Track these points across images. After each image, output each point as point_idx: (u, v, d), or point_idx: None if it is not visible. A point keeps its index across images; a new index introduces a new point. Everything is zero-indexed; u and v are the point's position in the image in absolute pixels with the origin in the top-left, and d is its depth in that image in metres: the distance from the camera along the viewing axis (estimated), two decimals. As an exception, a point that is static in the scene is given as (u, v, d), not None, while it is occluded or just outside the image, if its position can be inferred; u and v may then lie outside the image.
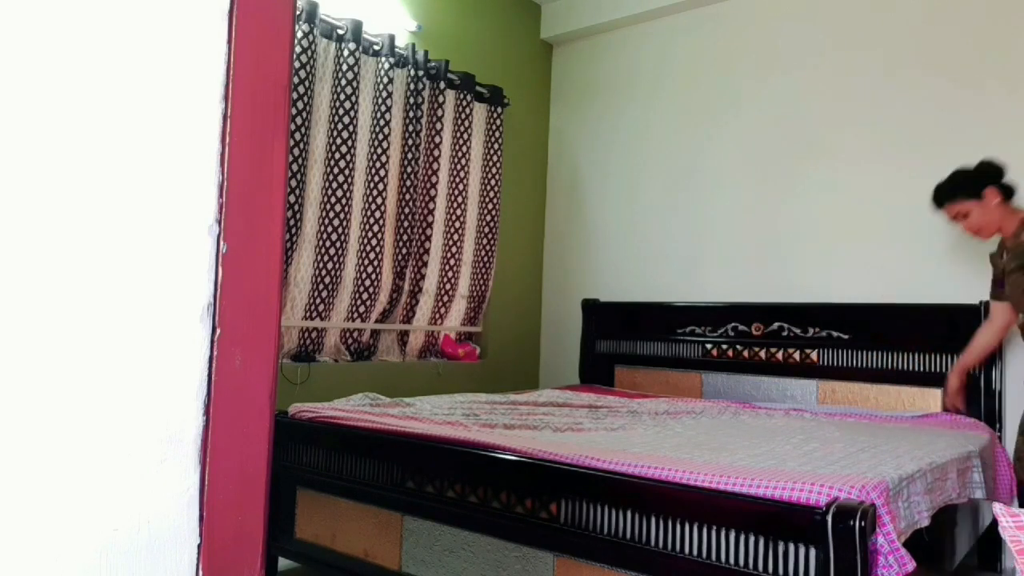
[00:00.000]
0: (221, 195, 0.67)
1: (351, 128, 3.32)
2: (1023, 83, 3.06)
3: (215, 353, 0.66)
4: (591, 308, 4.16)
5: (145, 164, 0.63)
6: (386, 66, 3.47)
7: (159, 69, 0.64)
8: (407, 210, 3.62)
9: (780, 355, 3.49)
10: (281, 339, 3.17)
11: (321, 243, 3.28)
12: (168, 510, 0.64)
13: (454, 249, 3.88)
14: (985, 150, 3.11)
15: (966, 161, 2.61)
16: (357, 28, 3.33)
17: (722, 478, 1.56)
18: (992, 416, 2.93)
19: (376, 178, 3.44)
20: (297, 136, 3.11)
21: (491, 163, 4.07)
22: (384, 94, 3.46)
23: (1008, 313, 2.67)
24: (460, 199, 3.90)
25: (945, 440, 2.38)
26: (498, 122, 4.10)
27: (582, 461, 1.75)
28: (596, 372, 4.08)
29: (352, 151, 3.33)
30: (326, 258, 3.28)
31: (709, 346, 3.72)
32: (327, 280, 3.29)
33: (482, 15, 4.18)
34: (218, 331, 0.67)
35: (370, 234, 3.43)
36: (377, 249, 3.45)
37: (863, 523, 1.35)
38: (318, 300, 3.28)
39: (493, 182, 4.07)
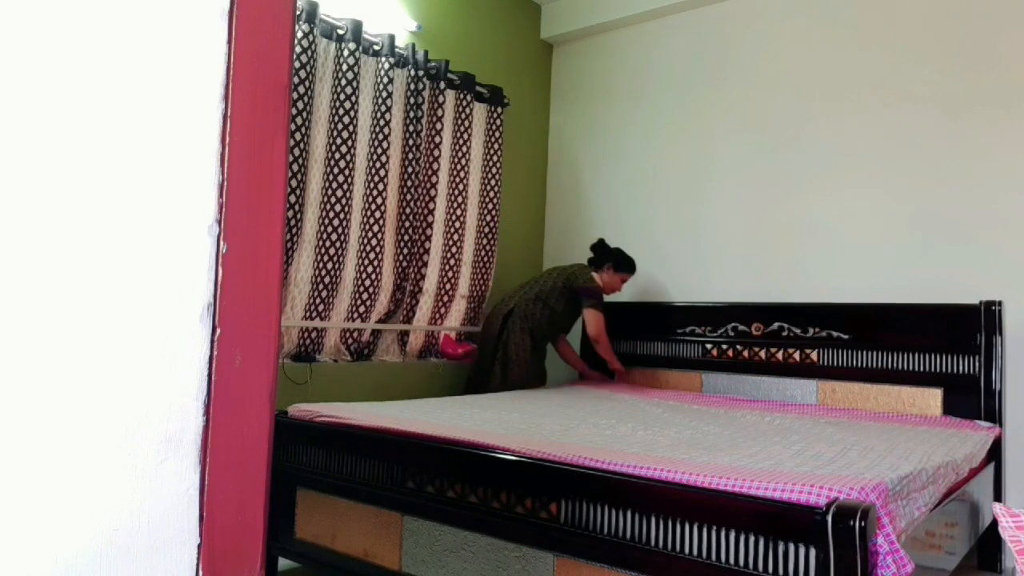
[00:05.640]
0: (221, 195, 0.67)
1: (351, 128, 3.31)
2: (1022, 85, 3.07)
3: (215, 353, 0.66)
4: (591, 308, 4.15)
5: (145, 164, 0.63)
6: (386, 66, 3.47)
7: (159, 69, 0.64)
8: (407, 210, 3.62)
9: (780, 355, 3.49)
10: (281, 339, 3.17)
11: (321, 243, 3.28)
12: (168, 510, 0.64)
13: (454, 249, 3.88)
14: (986, 151, 3.12)
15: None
16: (357, 28, 3.33)
17: (722, 478, 1.56)
18: (992, 416, 2.93)
19: (376, 178, 3.44)
20: (297, 136, 3.11)
21: (491, 163, 4.06)
22: (384, 94, 3.46)
23: None
24: (460, 199, 3.90)
25: (944, 440, 2.38)
26: (498, 122, 4.09)
27: (582, 461, 1.75)
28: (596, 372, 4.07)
29: (352, 151, 3.33)
30: (326, 258, 3.28)
31: (709, 346, 3.72)
32: (327, 280, 3.29)
33: (482, 15, 4.18)
34: (218, 331, 0.67)
35: (370, 234, 3.43)
36: (377, 249, 3.45)
37: (863, 523, 1.35)
38: (318, 300, 3.28)
39: (493, 182, 4.07)
